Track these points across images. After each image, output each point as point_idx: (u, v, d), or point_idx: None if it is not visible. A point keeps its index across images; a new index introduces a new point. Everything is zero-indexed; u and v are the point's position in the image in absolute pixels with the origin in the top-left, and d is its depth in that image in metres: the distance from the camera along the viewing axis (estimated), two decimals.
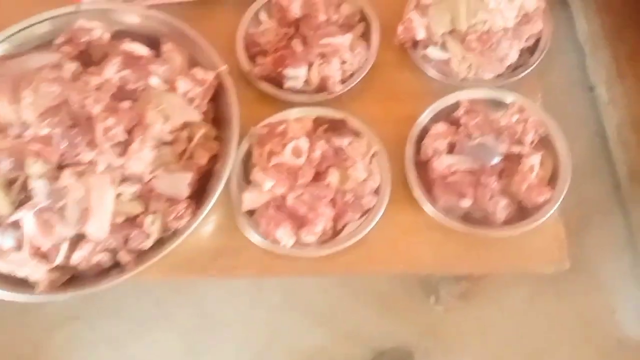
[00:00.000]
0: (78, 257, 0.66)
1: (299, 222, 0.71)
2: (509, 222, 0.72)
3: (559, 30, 1.54)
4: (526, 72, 0.79)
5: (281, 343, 1.23)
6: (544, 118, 0.75)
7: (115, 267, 0.68)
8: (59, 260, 0.65)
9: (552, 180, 0.73)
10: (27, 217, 0.64)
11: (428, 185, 0.74)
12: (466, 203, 0.71)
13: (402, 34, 0.81)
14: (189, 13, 0.86)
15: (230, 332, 1.24)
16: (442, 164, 0.73)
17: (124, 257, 0.67)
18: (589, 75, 1.48)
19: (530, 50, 0.81)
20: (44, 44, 0.78)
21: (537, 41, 0.81)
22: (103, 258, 0.67)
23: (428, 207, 0.72)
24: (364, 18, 0.85)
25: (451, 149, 0.75)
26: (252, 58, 0.84)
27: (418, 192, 0.73)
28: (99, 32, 0.77)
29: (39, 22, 0.79)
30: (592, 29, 1.44)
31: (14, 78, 0.69)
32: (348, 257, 0.72)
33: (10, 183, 0.67)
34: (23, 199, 0.66)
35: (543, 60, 0.80)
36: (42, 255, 0.66)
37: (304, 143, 0.74)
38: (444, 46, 0.80)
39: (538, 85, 0.81)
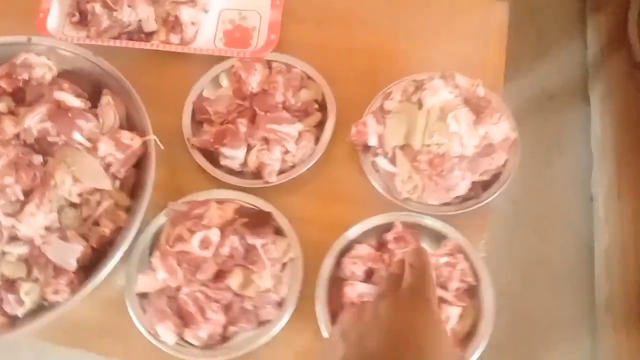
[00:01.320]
0: None
1: (185, 322, 0.66)
2: None
3: (576, 124, 1.48)
4: (475, 207, 0.73)
5: None
6: (477, 266, 0.69)
7: None
8: None
9: (469, 337, 0.67)
10: None
11: (338, 305, 0.69)
12: None
13: (355, 136, 0.76)
14: (153, 60, 0.83)
15: None
16: (354, 290, 0.68)
17: None
18: (591, 183, 1.39)
19: (485, 185, 0.74)
20: None
21: (496, 175, 0.74)
22: None
23: (324, 329, 0.67)
24: (322, 107, 0.80)
25: (369, 275, 0.69)
26: (199, 124, 0.80)
27: (321, 314, 0.67)
28: (41, 71, 0.74)
29: None
30: (605, 137, 1.35)
31: None
32: None
33: None
34: None
35: (502, 192, 0.73)
36: None
37: (214, 235, 0.69)
38: (393, 160, 0.74)
39: (485, 224, 0.74)
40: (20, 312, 0.63)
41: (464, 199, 0.74)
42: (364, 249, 0.70)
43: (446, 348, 0.44)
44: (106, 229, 0.68)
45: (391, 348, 0.42)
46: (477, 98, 0.76)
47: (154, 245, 0.72)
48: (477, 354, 0.65)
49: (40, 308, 0.65)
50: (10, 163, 0.64)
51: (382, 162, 0.75)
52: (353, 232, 0.71)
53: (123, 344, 0.68)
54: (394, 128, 0.74)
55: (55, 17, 0.85)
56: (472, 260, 0.69)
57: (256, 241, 0.70)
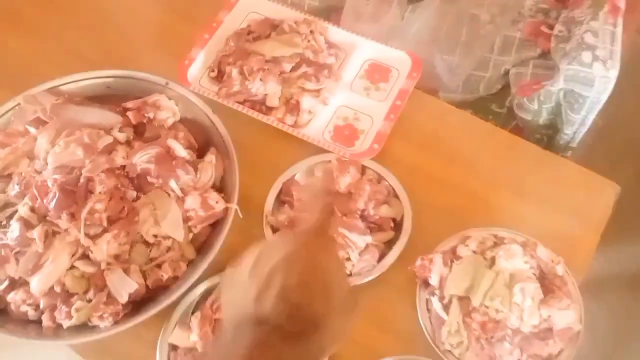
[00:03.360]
0: (11, 298, 0.70)
1: None
2: None
3: None
4: None
5: None
6: None
7: (38, 324, 0.71)
8: None
9: None
10: None
11: None
12: None
13: (418, 269, 0.76)
14: (264, 131, 0.89)
15: None
16: None
17: (46, 321, 0.70)
18: None
19: None
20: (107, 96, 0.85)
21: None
22: (30, 311, 0.70)
23: None
24: (398, 228, 0.81)
25: None
26: (281, 203, 0.84)
27: None
28: (166, 114, 0.82)
29: (122, 77, 0.87)
30: None
31: (65, 122, 0.76)
32: None
33: (6, 206, 0.73)
34: (3, 224, 0.72)
35: None
36: None
37: None
38: (448, 307, 0.73)
39: None
40: (66, 323, 0.69)
41: None
42: None
43: (346, 284, 0.52)
44: (165, 274, 0.73)
45: (302, 284, 0.46)
46: (553, 275, 0.74)
47: (200, 302, 0.76)
48: None
49: (83, 325, 0.70)
50: (107, 191, 0.71)
51: (436, 305, 0.74)
52: None
53: None
54: (459, 276, 0.73)
55: (197, 67, 0.94)
56: None
57: None
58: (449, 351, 0.72)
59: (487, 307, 0.71)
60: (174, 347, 0.73)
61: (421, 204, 0.82)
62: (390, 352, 0.72)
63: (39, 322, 0.71)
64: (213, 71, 0.94)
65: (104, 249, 0.70)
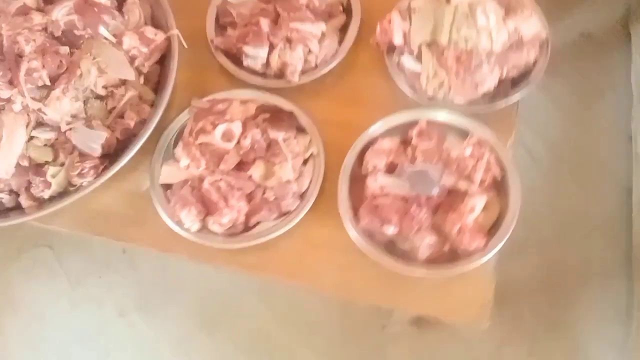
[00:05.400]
0: None
1: (208, 209, 0.67)
2: (433, 261, 0.65)
3: (615, 66, 1.42)
4: (503, 105, 0.70)
5: (229, 319, 1.20)
6: (503, 159, 0.67)
7: (18, 209, 0.67)
8: None
9: (493, 229, 0.65)
10: None
11: (357, 201, 0.68)
12: (389, 230, 0.65)
13: (379, 35, 0.74)
14: None
15: (184, 297, 1.23)
16: (376, 183, 0.67)
17: (24, 201, 0.66)
18: (631, 122, 1.33)
19: (514, 82, 0.72)
20: None
21: (526, 73, 0.72)
22: (4, 197, 0.66)
23: (349, 225, 0.66)
24: (347, 10, 0.79)
25: (392, 169, 0.68)
26: (223, 28, 0.80)
27: (344, 207, 0.67)
28: None
29: None
30: None
31: None
32: (252, 257, 0.68)
33: None
34: None
35: (529, 95, 0.71)
36: None
37: (237, 128, 0.69)
38: (419, 57, 0.72)
39: (513, 123, 0.72)
40: (46, 194, 0.65)
41: (492, 99, 0.71)
42: (387, 143, 0.69)
43: None
44: (131, 120, 0.69)
45: None
46: None
47: (177, 141, 0.72)
48: (498, 245, 0.63)
49: (67, 193, 0.66)
50: (37, 49, 0.65)
51: (408, 61, 0.73)
52: (376, 128, 0.70)
53: (147, 232, 0.69)
54: (420, 24, 0.72)
55: None
56: (498, 154, 0.67)
57: (277, 135, 0.70)
58: (433, 97, 0.72)
59: (455, 41, 0.70)
60: (168, 187, 0.70)
61: None
62: (376, 120, 0.71)
63: (18, 207, 0.67)
64: None
65: (57, 106, 0.65)
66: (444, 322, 0.95)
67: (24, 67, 0.64)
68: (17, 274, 1.29)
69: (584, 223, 1.30)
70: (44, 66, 0.65)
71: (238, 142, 0.69)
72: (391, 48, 0.75)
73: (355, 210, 0.67)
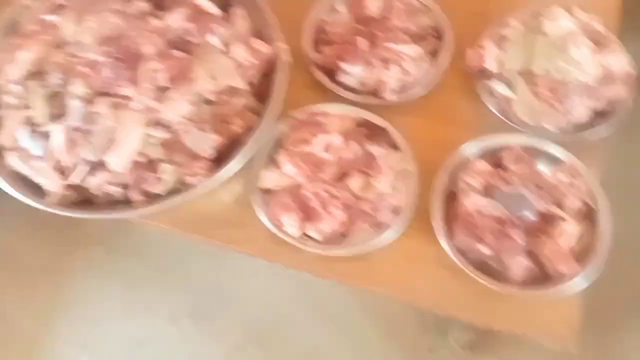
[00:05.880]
0: (93, 182, 0.67)
1: (308, 216, 0.69)
2: (525, 282, 0.67)
3: None
4: (593, 137, 0.73)
5: (282, 333, 1.21)
6: (595, 190, 0.69)
7: (125, 203, 0.69)
8: (74, 179, 0.67)
9: (584, 257, 0.67)
10: (56, 130, 0.67)
11: (451, 219, 0.70)
12: (484, 249, 0.67)
13: (472, 60, 0.78)
14: None
15: (238, 308, 1.24)
16: (472, 202, 0.69)
17: (134, 195, 0.68)
18: None
19: (606, 116, 0.75)
20: None
21: (615, 108, 0.75)
22: (116, 191, 0.68)
23: (444, 241, 0.68)
24: (438, 35, 0.82)
25: (485, 190, 0.71)
26: (315, 44, 0.83)
27: (438, 223, 0.69)
28: None
29: None
30: None
31: (85, 1, 0.71)
32: (348, 267, 0.70)
33: (54, 96, 0.69)
34: (60, 114, 0.68)
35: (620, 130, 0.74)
36: (61, 170, 0.68)
37: (336, 139, 0.72)
38: (510, 84, 0.76)
39: (603, 155, 0.75)
40: (158, 189, 0.67)
41: (582, 130, 0.75)
42: (483, 165, 0.72)
43: None
44: (237, 126, 0.72)
45: None
46: (595, 32, 0.77)
47: (276, 148, 0.75)
48: (593, 272, 0.66)
49: (176, 191, 0.69)
50: (158, 52, 0.68)
51: (499, 87, 0.76)
52: (468, 147, 0.73)
53: (246, 234, 0.72)
54: (513, 52, 0.76)
55: None
56: (588, 183, 0.70)
57: (375, 149, 0.73)
58: (524, 122, 0.75)
59: (547, 71, 0.74)
60: (266, 192, 0.72)
61: (453, 11, 0.83)
62: (466, 140, 0.74)
63: (125, 201, 0.69)
64: None
65: (173, 107, 0.67)
66: (525, 341, 0.96)
67: (144, 67, 0.67)
68: (71, 272, 1.31)
69: None
70: (163, 68, 0.68)
71: (337, 154, 0.72)
72: (482, 73, 0.78)
73: (449, 226, 0.70)
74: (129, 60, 0.67)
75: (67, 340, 1.24)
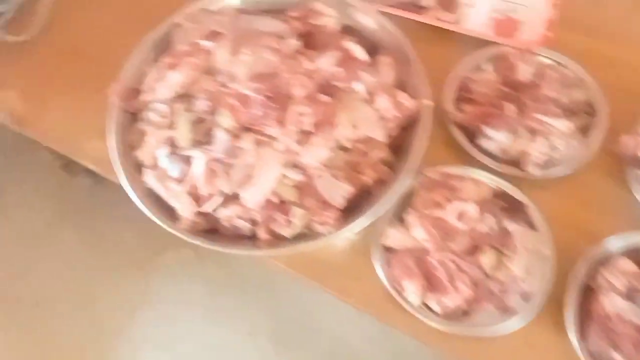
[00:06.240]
0: (224, 214, 0.68)
1: (432, 286, 0.66)
2: None
3: None
4: None
5: None
6: None
7: (250, 238, 0.69)
8: (207, 208, 0.67)
9: None
10: (199, 158, 0.67)
11: (585, 315, 0.65)
12: (618, 358, 0.62)
13: (626, 147, 0.72)
14: (417, 33, 0.84)
15: (319, 339, 1.21)
16: (612, 304, 0.64)
17: (261, 233, 0.67)
18: None
19: None
20: (275, 11, 0.81)
21: None
22: (244, 226, 0.68)
23: (575, 339, 0.63)
24: (591, 111, 0.77)
25: (628, 292, 0.65)
26: (456, 101, 0.80)
27: (570, 318, 0.64)
28: (330, 21, 0.78)
29: None
30: None
31: (242, 32, 0.72)
32: (466, 346, 0.66)
33: (199, 122, 0.70)
34: (202, 141, 0.69)
35: None
36: (195, 197, 0.68)
37: (472, 209, 0.69)
38: None
39: None
40: (286, 232, 0.66)
41: None
42: (627, 263, 0.66)
43: None
44: (369, 178, 0.70)
45: None
46: None
47: (402, 206, 0.72)
48: None
49: (301, 236, 0.68)
50: (308, 95, 0.68)
51: None
52: (613, 241, 0.68)
53: (361, 289, 0.69)
54: None
55: None
56: None
57: (512, 226, 0.69)
58: None
59: None
60: (388, 249, 0.70)
61: (611, 88, 0.77)
62: (613, 231, 0.68)
63: (250, 237, 0.69)
64: None
65: (314, 153, 0.66)
66: None
67: (293, 109, 0.67)
68: (158, 271, 1.34)
69: None
70: (310, 113, 0.67)
71: (471, 225, 0.68)
72: (635, 161, 0.72)
73: (582, 323, 0.64)
74: (279, 100, 0.67)
75: (148, 336, 1.27)
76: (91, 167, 0.81)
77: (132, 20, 0.91)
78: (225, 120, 0.67)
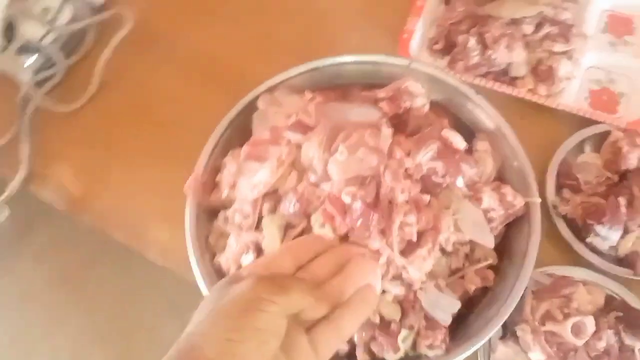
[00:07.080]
0: None
1: None
2: None
3: None
4: None
5: None
6: None
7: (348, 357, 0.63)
8: None
9: None
10: None
11: None
12: None
13: None
14: (510, 108, 0.76)
15: None
16: None
17: (359, 354, 0.61)
18: None
19: None
20: (353, 85, 0.75)
21: None
22: (343, 347, 0.62)
23: None
24: None
25: None
26: (557, 188, 0.74)
27: None
28: (421, 101, 0.71)
29: (362, 63, 0.76)
30: None
31: (333, 125, 0.65)
32: None
33: (287, 227, 0.64)
34: None
35: None
36: None
37: (590, 323, 0.63)
38: None
39: None
40: (390, 356, 0.60)
41: None
42: None
43: None
44: (472, 285, 0.64)
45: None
46: None
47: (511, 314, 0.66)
48: None
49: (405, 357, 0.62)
50: (411, 200, 0.61)
51: None
52: None
53: None
54: None
55: (417, 40, 0.82)
56: None
57: (634, 342, 0.62)
58: None
59: None
60: None
61: None
62: None
63: (349, 357, 0.63)
64: (437, 43, 0.82)
65: (421, 265, 0.60)
66: None
67: (398, 219, 0.60)
68: None
69: None
70: (417, 221, 0.60)
71: (588, 342, 0.62)
72: None
73: None
74: (381, 208, 0.60)
75: None
76: (159, 262, 0.74)
77: (197, 76, 0.85)
78: (322, 231, 0.61)
